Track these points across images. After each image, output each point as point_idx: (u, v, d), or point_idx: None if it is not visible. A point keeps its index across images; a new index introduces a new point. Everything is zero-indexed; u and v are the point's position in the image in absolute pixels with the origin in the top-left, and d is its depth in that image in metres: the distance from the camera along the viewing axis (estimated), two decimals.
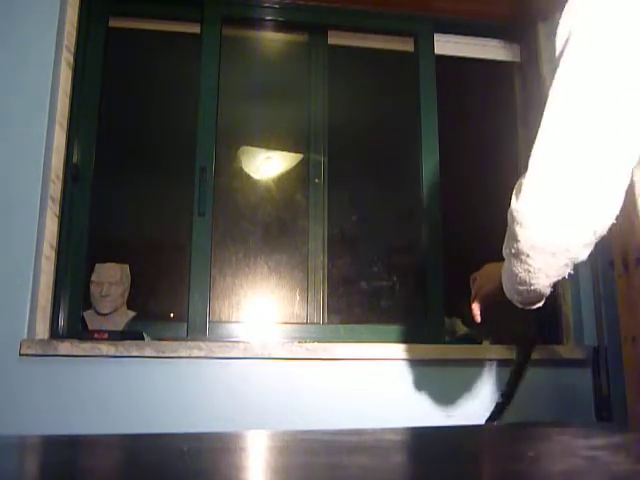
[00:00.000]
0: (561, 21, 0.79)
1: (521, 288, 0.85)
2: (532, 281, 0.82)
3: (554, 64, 0.79)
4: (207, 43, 2.06)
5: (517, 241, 0.78)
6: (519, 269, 0.82)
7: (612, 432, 0.69)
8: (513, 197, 0.78)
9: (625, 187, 0.74)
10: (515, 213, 0.77)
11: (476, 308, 1.16)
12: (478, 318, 1.17)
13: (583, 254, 0.78)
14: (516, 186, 0.79)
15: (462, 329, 1.93)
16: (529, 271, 0.80)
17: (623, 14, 0.72)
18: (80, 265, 1.84)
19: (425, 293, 2.00)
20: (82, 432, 1.47)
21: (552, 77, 0.78)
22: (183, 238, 1.93)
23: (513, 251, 0.80)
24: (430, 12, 2.17)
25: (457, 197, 2.15)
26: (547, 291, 0.85)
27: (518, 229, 0.77)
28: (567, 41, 0.76)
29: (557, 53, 0.79)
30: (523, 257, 0.79)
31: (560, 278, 0.82)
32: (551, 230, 0.75)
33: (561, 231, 0.74)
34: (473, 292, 1.19)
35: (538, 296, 0.86)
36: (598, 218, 0.73)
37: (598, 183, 0.72)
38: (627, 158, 0.72)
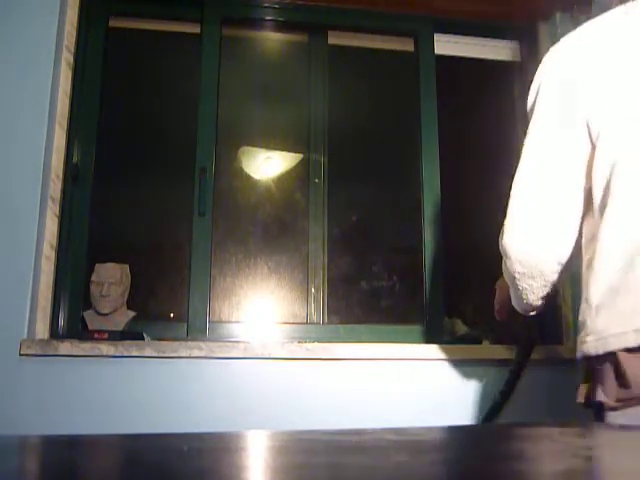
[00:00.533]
0: (536, 75, 1.02)
1: (518, 301, 1.07)
2: (523, 297, 1.03)
3: (527, 113, 1.03)
4: (207, 43, 2.06)
5: (507, 269, 1.01)
6: (513, 289, 1.05)
7: (612, 432, 0.69)
8: (500, 236, 1.00)
9: (575, 232, 0.96)
10: (502, 248, 1.00)
11: (498, 311, 1.36)
12: (498, 318, 1.37)
13: (555, 277, 0.99)
14: (502, 228, 1.01)
15: (462, 329, 1.93)
16: (518, 290, 1.02)
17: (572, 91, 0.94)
18: (80, 265, 1.84)
19: (425, 293, 2.00)
20: (82, 432, 1.47)
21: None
22: (183, 238, 1.93)
23: (506, 276, 1.04)
24: (430, 12, 2.17)
25: (457, 196, 2.16)
26: (538, 303, 1.05)
27: (506, 260, 1.00)
28: (534, 102, 1.00)
29: (529, 106, 1.02)
30: (513, 280, 1.02)
31: (545, 294, 1.02)
32: (527, 261, 0.97)
33: (534, 262, 0.96)
34: (496, 297, 1.39)
35: (532, 307, 1.07)
36: (557, 253, 0.96)
37: (555, 229, 0.95)
38: (574, 212, 0.95)
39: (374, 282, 2.08)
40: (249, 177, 2.11)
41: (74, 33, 1.89)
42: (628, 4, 0.97)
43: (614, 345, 0.82)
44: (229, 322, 1.91)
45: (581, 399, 0.91)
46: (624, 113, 0.89)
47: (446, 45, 2.24)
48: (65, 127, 1.82)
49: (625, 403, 0.79)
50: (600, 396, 0.83)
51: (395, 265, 2.12)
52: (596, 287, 0.88)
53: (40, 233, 1.69)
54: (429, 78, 2.16)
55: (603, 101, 0.90)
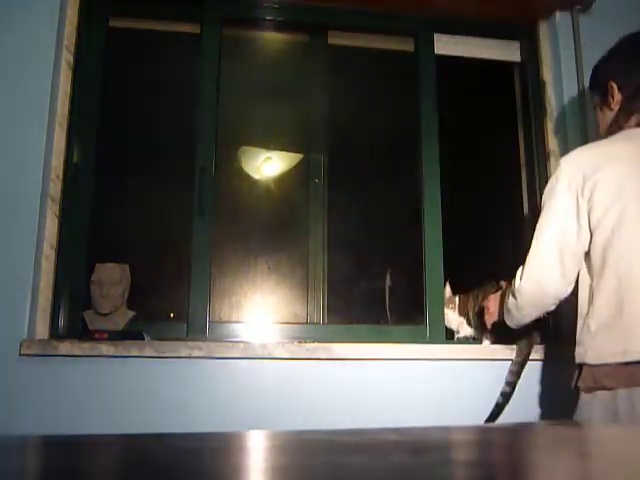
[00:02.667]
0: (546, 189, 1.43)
1: (514, 323, 1.55)
2: (523, 320, 1.53)
3: (545, 192, 1.43)
4: (207, 43, 2.06)
5: (518, 302, 1.46)
6: (517, 314, 1.51)
7: (613, 430, 0.69)
8: (517, 278, 1.44)
9: (572, 280, 1.38)
10: (516, 287, 1.45)
11: (492, 314, 1.72)
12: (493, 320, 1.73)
13: (552, 307, 1.47)
14: (518, 271, 1.45)
15: (466, 329, 1.93)
16: (524, 316, 1.50)
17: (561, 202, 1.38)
18: (80, 265, 1.84)
19: (425, 293, 2.00)
20: (82, 432, 1.47)
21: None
22: (183, 238, 1.93)
23: (516, 305, 1.48)
24: (430, 12, 2.17)
25: (457, 196, 2.16)
26: (527, 321, 1.53)
27: (519, 296, 1.45)
28: (543, 204, 1.42)
29: (548, 187, 1.42)
30: (521, 309, 1.48)
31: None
32: (534, 298, 1.44)
33: (539, 298, 1.44)
34: (486, 315, 1.73)
35: (521, 325, 1.56)
36: (557, 294, 1.42)
37: (555, 279, 1.39)
38: (570, 269, 1.37)
39: (374, 282, 2.08)
40: (249, 177, 2.11)
41: (74, 33, 1.89)
42: (623, 133, 1.39)
43: (608, 360, 1.24)
44: (229, 322, 1.91)
45: (572, 384, 1.35)
46: (613, 210, 1.29)
47: (446, 45, 2.24)
48: (65, 127, 1.82)
49: (592, 389, 1.27)
50: (580, 384, 1.31)
51: (395, 265, 2.12)
52: (594, 320, 1.28)
53: (40, 233, 1.69)
54: (429, 78, 2.16)
55: (599, 200, 1.31)
